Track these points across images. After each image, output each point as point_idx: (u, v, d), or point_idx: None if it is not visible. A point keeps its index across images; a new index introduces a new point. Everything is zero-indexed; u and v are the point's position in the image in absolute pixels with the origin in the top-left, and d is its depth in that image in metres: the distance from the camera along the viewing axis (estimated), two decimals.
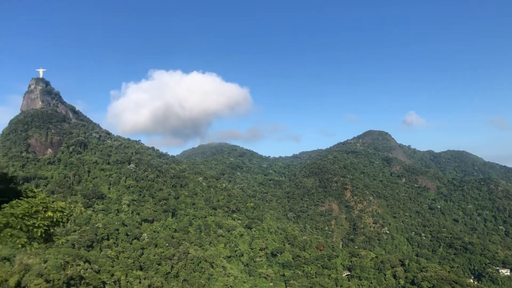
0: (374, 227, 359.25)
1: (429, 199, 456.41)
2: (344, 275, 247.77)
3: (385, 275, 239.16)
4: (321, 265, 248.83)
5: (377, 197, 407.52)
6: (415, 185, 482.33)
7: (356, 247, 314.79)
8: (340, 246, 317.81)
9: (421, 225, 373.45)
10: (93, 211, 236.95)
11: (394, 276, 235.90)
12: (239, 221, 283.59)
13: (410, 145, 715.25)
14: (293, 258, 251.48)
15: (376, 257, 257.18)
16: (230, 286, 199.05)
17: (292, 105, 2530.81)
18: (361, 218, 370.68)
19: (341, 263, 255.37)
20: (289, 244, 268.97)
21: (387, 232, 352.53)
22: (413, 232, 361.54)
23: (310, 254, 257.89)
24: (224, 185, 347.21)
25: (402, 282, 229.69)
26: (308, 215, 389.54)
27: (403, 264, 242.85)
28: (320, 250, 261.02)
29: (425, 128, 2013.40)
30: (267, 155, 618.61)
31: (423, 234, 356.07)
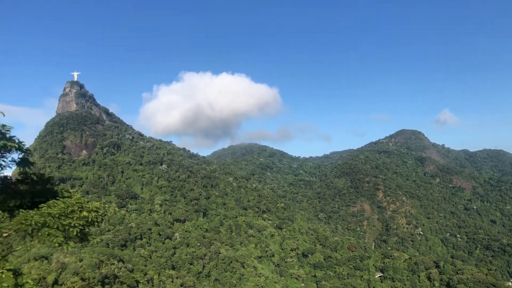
0: (407, 228, 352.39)
1: (464, 200, 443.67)
2: (376, 276, 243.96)
3: (419, 276, 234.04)
4: (353, 266, 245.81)
5: (410, 198, 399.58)
6: (450, 185, 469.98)
7: (389, 248, 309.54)
8: (373, 247, 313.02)
9: (456, 226, 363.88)
10: (126, 211, 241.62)
11: (429, 278, 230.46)
12: (270, 222, 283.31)
13: (444, 144, 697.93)
14: (324, 259, 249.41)
15: (410, 258, 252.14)
16: (261, 286, 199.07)
17: (322, 104, 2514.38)
18: (394, 218, 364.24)
19: (373, 264, 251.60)
20: (320, 244, 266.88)
21: (421, 233, 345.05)
22: (448, 233, 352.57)
23: (341, 255, 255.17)
24: (254, 185, 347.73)
25: (437, 284, 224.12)
26: (339, 215, 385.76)
27: (437, 266, 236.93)
28: (352, 251, 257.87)
29: (459, 126, 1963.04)
30: (297, 155, 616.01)
31: (458, 236, 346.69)
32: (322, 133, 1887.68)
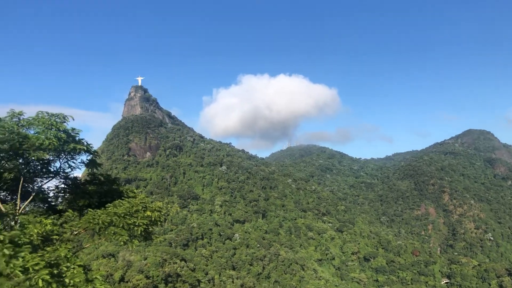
0: (476, 233, 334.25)
1: None
2: (442, 282, 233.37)
3: (489, 284, 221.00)
4: (417, 272, 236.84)
5: (478, 201, 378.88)
6: None
7: (456, 253, 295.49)
8: (438, 252, 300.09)
9: None
10: (188, 211, 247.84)
11: (501, 287, 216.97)
12: (330, 224, 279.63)
13: None
14: (387, 263, 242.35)
15: (479, 265, 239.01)
16: None
17: (383, 104, 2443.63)
18: (461, 223, 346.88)
19: (439, 270, 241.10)
20: (382, 248, 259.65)
21: (491, 238, 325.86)
22: None
23: (405, 259, 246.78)
24: (313, 187, 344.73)
25: None
26: (402, 219, 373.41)
27: (510, 274, 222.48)
28: (416, 256, 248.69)
29: None
30: (357, 157, 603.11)
31: None
32: (384, 134, 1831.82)
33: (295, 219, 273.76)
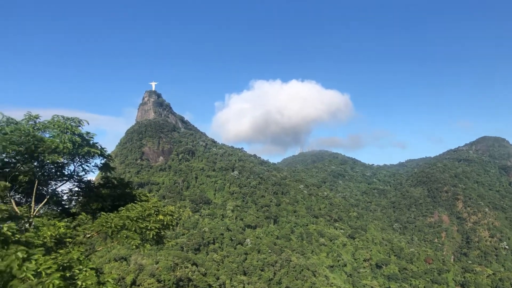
0: (490, 241, 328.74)
1: None
2: None
3: None
4: (430, 280, 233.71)
5: (493, 209, 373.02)
6: None
7: (470, 262, 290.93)
8: (452, 260, 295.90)
9: None
10: (200, 215, 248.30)
11: None
12: (342, 231, 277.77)
13: None
14: (399, 271, 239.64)
15: (494, 274, 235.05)
16: None
17: (396, 110, 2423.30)
18: (475, 231, 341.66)
19: (452, 279, 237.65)
20: (395, 256, 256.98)
21: (506, 247, 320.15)
22: None
23: (418, 267, 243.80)
24: (325, 193, 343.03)
25: None
26: (415, 226, 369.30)
27: None
28: (429, 264, 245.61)
29: None
30: (370, 163, 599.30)
31: None
32: (397, 140, 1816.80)
33: (307, 225, 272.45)
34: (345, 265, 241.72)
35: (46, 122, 19.14)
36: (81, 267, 13.67)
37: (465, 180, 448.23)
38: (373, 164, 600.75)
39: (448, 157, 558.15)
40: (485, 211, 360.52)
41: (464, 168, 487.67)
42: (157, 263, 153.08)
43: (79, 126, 19.64)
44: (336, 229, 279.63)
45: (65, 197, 22.84)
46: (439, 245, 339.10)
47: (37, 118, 19.08)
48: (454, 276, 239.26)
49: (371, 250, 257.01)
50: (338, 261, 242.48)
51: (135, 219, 18.97)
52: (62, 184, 22.10)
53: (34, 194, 19.65)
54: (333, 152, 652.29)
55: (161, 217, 20.25)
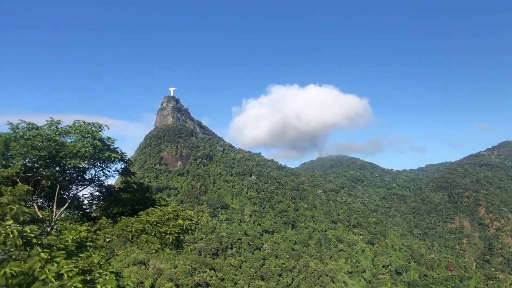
0: None
1: None
2: None
3: None
4: (452, 287, 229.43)
5: None
6: None
7: (493, 269, 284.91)
8: (474, 267, 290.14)
9: None
10: (218, 220, 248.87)
11: None
12: (361, 236, 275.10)
13: None
14: (419, 277, 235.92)
15: None
16: None
17: (415, 114, 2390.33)
18: (498, 237, 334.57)
19: (475, 286, 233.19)
20: (415, 262, 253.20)
21: None
22: None
23: (438, 274, 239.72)
24: (344, 198, 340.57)
25: None
26: (436, 232, 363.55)
27: None
28: (451, 271, 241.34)
29: None
30: (389, 168, 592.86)
31: None
32: (416, 145, 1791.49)
33: (325, 231, 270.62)
34: (364, 271, 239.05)
35: (67, 127, 19.40)
36: (101, 270, 13.77)
37: (487, 185, 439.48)
38: (392, 169, 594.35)
39: (469, 162, 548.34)
40: (508, 217, 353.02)
41: (486, 173, 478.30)
42: (175, 267, 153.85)
43: (100, 131, 19.87)
44: (355, 234, 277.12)
45: (86, 202, 23.13)
46: (461, 251, 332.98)
47: (58, 123, 19.36)
48: (476, 284, 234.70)
49: (390, 256, 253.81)
50: (357, 267, 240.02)
51: (154, 223, 19.07)
52: (83, 189, 22.39)
53: (56, 198, 19.93)
54: (352, 157, 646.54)
55: (180, 221, 20.31)
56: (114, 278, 13.70)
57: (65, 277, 11.90)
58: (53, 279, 11.73)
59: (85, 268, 13.25)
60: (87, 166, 21.19)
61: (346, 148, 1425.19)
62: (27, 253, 12.20)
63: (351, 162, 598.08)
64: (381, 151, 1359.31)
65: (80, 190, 22.46)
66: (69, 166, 19.22)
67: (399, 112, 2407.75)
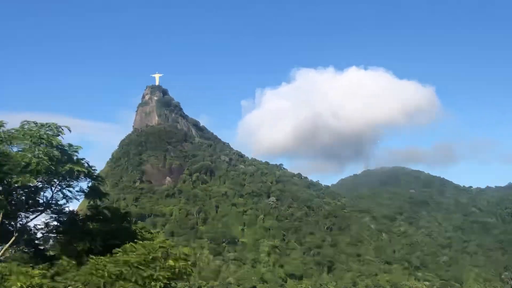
0: None
1: None
2: None
3: None
4: None
5: None
6: None
7: None
8: None
9: None
10: (223, 260, 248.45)
11: None
12: (427, 283, 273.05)
13: None
14: None
15: None
16: None
17: (503, 110, 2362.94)
18: None
19: None
20: None
21: None
22: None
23: None
24: (402, 228, 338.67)
25: None
26: None
27: None
28: None
29: None
30: (466, 185, 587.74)
31: None
32: (506, 153, 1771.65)
33: (376, 275, 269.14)
34: None
35: (13, 131, 19.34)
36: None
37: None
38: (471, 187, 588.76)
39: None
40: None
41: None
42: None
43: (58, 135, 19.83)
44: (419, 280, 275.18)
45: (39, 235, 23.14)
46: None
47: (0, 126, 19.34)
48: None
49: None
50: None
51: (135, 265, 19.02)
52: (36, 217, 22.42)
53: None
54: (413, 170, 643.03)
55: (171, 262, 20.24)
56: None
57: None
58: None
59: None
60: (40, 185, 21.20)
61: (404, 156, 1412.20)
62: None
63: (412, 176, 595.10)
64: (455, 161, 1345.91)
65: (32, 219, 22.51)
66: (16, 185, 19.23)
67: (481, 106, 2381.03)
